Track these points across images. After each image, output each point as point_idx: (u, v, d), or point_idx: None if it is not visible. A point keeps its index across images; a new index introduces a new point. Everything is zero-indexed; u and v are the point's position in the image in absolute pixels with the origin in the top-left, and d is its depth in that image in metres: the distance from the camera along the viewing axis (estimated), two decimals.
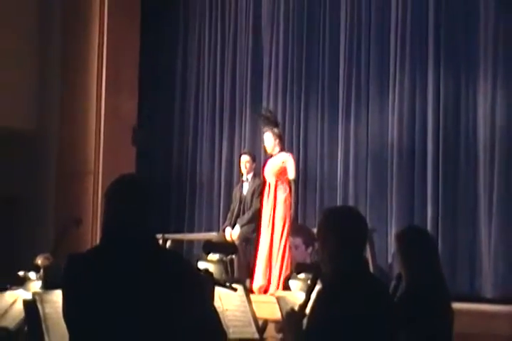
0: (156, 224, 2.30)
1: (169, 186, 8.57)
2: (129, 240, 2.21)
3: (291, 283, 4.00)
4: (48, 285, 4.34)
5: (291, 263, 5.99)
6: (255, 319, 3.56)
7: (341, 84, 7.05)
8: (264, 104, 7.74)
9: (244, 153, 7.18)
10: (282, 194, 6.43)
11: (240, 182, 7.17)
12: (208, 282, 2.38)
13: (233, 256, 6.19)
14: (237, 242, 6.53)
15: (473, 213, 5.87)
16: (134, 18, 8.88)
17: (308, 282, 2.81)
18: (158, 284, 2.14)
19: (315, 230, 2.98)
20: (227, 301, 3.42)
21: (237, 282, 3.73)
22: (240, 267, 6.44)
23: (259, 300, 4.01)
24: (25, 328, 4.01)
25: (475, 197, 5.87)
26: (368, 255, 5.53)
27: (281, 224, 6.26)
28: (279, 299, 3.70)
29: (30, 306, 3.63)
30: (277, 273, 6.09)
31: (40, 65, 9.16)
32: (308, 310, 2.56)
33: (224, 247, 4.38)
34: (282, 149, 6.62)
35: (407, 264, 3.32)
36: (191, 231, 8.21)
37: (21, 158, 9.02)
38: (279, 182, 6.47)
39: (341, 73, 7.05)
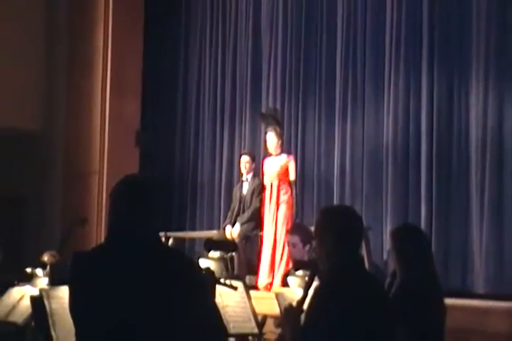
0: (158, 222, 2.30)
1: (171, 186, 8.58)
2: (133, 238, 2.22)
3: (290, 279, 4.01)
4: (54, 282, 4.36)
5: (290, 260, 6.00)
6: (255, 314, 3.57)
7: (338, 85, 7.05)
8: (264, 105, 7.74)
9: (244, 154, 7.18)
10: (285, 195, 6.43)
11: (240, 182, 7.16)
12: (210, 280, 2.39)
13: (233, 254, 6.19)
14: (237, 240, 6.53)
15: (465, 212, 5.87)
16: (137, 24, 8.89)
17: (306, 279, 2.81)
18: (161, 281, 2.14)
19: (312, 228, 2.98)
20: (227, 297, 3.42)
21: (237, 278, 3.74)
22: (239, 264, 6.44)
23: (258, 296, 4.01)
24: (33, 323, 4.03)
25: (467, 196, 5.88)
26: (364, 252, 5.53)
27: (285, 224, 6.26)
28: (277, 295, 3.70)
29: (37, 302, 3.64)
30: (282, 271, 6.07)
31: (47, 69, 9.18)
32: (305, 306, 2.56)
33: (224, 245, 4.39)
34: (283, 150, 6.61)
35: (401, 261, 3.32)
36: (193, 229, 8.21)
37: (28, 158, 9.03)
38: (281, 183, 6.46)
39: (338, 75, 7.05)
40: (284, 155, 6.58)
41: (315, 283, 2.65)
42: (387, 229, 6.05)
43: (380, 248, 6.18)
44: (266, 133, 6.78)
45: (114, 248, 2.23)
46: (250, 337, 3.70)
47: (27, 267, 5.11)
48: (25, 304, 4.20)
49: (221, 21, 8.40)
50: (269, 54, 7.77)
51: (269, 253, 6.27)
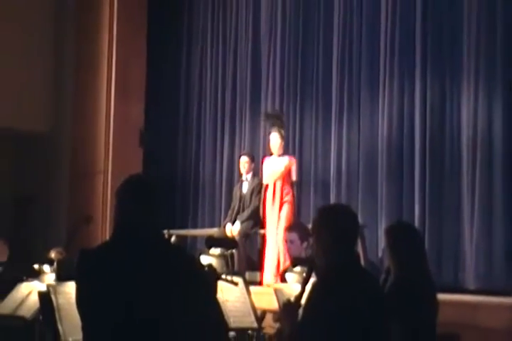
0: (162, 220, 2.31)
1: (174, 185, 8.57)
2: (138, 236, 2.22)
3: (288, 275, 4.01)
4: (61, 278, 4.36)
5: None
6: (254, 309, 3.57)
7: (334, 89, 7.04)
8: (263, 107, 7.74)
9: (244, 154, 7.18)
10: (287, 195, 6.42)
11: (240, 181, 7.16)
12: (212, 276, 2.39)
13: (233, 251, 6.19)
14: (237, 237, 6.52)
15: (457, 210, 5.87)
16: (140, 29, 8.89)
17: (304, 275, 2.82)
18: (165, 277, 2.15)
19: (310, 226, 2.98)
20: (228, 293, 3.43)
21: (237, 274, 3.75)
22: (239, 260, 6.44)
23: (257, 291, 4.01)
24: (40, 317, 4.03)
25: (459, 195, 5.87)
26: (360, 249, 5.53)
27: (287, 223, 6.22)
28: (276, 291, 3.71)
29: (44, 297, 3.65)
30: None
31: (54, 72, 9.18)
32: (303, 301, 2.57)
33: (225, 242, 4.39)
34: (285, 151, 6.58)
35: (395, 258, 3.32)
36: (195, 227, 8.21)
37: (35, 159, 9.03)
38: (285, 184, 6.43)
39: (334, 79, 7.05)
40: (286, 157, 6.56)
41: (312, 279, 2.65)
42: (382, 227, 6.05)
43: (376, 245, 6.18)
44: (269, 133, 6.75)
45: (120, 245, 2.24)
46: (250, 331, 3.70)
47: (35, 263, 5.12)
48: (33, 299, 4.21)
49: (222, 26, 8.40)
50: (268, 58, 7.77)
51: (276, 252, 6.23)
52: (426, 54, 6.23)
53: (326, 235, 2.57)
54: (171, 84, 8.92)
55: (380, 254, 5.95)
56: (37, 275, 4.86)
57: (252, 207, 6.82)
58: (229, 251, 5.75)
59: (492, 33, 5.74)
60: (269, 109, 7.35)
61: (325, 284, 2.49)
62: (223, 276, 2.77)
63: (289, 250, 5.03)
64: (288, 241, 4.85)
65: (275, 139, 6.58)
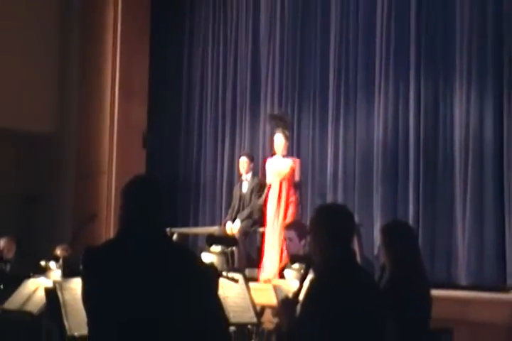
0: (165, 219, 2.31)
1: (176, 185, 8.58)
2: (142, 234, 2.23)
3: (286, 272, 4.02)
4: (66, 274, 4.36)
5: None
6: (254, 305, 3.58)
7: (331, 91, 7.04)
8: (262, 108, 7.74)
9: (242, 155, 7.18)
10: (292, 196, 6.38)
11: (240, 181, 7.16)
12: (213, 273, 2.40)
13: (233, 248, 6.20)
14: (237, 235, 6.52)
15: (449, 209, 5.88)
16: (144, 31, 8.90)
17: (301, 271, 2.82)
18: (167, 274, 2.15)
19: (307, 224, 2.99)
20: (228, 289, 3.43)
21: (237, 271, 3.75)
22: (239, 258, 6.43)
23: (257, 287, 4.02)
24: (47, 312, 4.04)
25: (451, 195, 5.88)
26: (356, 247, 5.54)
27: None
28: (275, 287, 3.72)
29: (51, 293, 3.65)
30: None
31: (59, 76, 9.19)
32: (301, 297, 2.57)
33: (225, 240, 4.40)
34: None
35: (390, 255, 3.32)
36: (196, 225, 8.21)
37: (42, 159, 9.04)
38: (290, 184, 6.40)
39: (331, 81, 7.05)
40: (290, 158, 6.53)
41: (310, 276, 2.66)
42: (378, 225, 6.06)
43: (371, 243, 6.18)
44: (273, 134, 6.69)
45: (124, 243, 2.24)
46: (249, 326, 3.71)
47: (41, 260, 5.12)
48: (40, 295, 4.21)
49: (222, 29, 8.41)
50: (267, 61, 7.78)
51: (275, 251, 6.19)
52: (420, 57, 6.24)
53: (324, 234, 2.57)
54: (173, 86, 8.92)
55: (375, 252, 5.96)
56: (43, 271, 4.88)
57: (251, 206, 6.83)
58: (229, 249, 5.77)
59: (483, 37, 5.76)
60: (274, 110, 7.28)
61: (322, 281, 2.49)
62: (224, 274, 2.78)
63: (287, 247, 5.04)
64: (286, 239, 4.86)
65: (279, 140, 6.53)
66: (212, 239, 3.82)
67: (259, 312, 3.68)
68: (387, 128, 6.44)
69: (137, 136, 8.72)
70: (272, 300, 3.64)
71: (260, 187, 6.92)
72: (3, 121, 8.45)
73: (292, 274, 3.88)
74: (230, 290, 3.45)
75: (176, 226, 7.44)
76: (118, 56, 8.68)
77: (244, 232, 6.74)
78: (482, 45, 5.75)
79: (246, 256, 6.64)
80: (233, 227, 6.77)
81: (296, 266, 3.84)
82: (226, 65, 8.29)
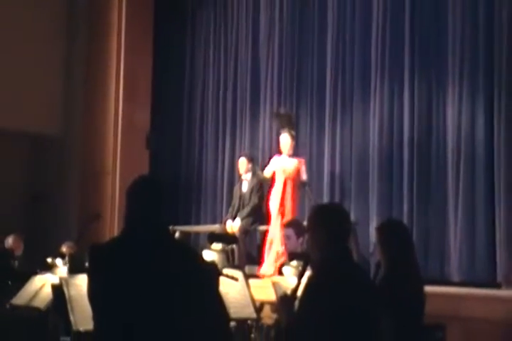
0: (167, 218, 2.31)
1: (178, 184, 8.58)
2: (146, 232, 2.23)
3: (285, 269, 4.01)
4: (72, 271, 4.36)
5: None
6: (253, 301, 3.57)
7: (328, 92, 7.04)
8: (262, 110, 7.74)
9: (241, 156, 7.18)
10: (296, 194, 6.38)
11: (240, 180, 7.17)
12: (214, 271, 2.40)
13: (234, 246, 6.19)
14: (237, 234, 6.52)
15: (442, 208, 5.88)
16: (147, 37, 8.91)
17: (299, 268, 2.82)
18: (170, 271, 2.15)
19: (305, 223, 2.99)
20: (228, 286, 3.42)
21: (238, 268, 3.75)
22: (240, 255, 6.43)
23: (256, 284, 4.02)
24: (53, 308, 4.03)
25: (444, 194, 5.88)
26: (352, 245, 5.53)
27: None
28: (274, 284, 3.71)
29: (57, 289, 3.65)
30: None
31: (65, 81, 9.20)
32: (299, 294, 2.57)
33: (226, 238, 4.38)
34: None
35: (385, 253, 3.32)
36: (197, 223, 8.21)
37: (49, 160, 9.04)
38: (296, 183, 6.39)
39: (328, 83, 7.05)
40: (295, 158, 6.50)
41: (307, 273, 2.66)
42: (373, 224, 6.06)
43: (367, 241, 6.18)
44: (280, 133, 6.64)
45: (128, 240, 2.25)
46: (249, 321, 3.71)
47: (48, 257, 5.11)
48: (47, 291, 4.21)
49: (223, 33, 8.41)
50: (266, 64, 7.78)
51: (277, 247, 6.16)
52: (413, 59, 6.25)
53: (321, 232, 2.58)
54: (175, 88, 8.93)
55: (371, 250, 5.96)
56: (50, 268, 4.87)
57: (251, 205, 6.83)
58: (229, 247, 5.76)
59: (474, 40, 5.77)
60: (273, 111, 7.23)
61: (320, 278, 2.49)
62: (224, 272, 2.77)
63: (285, 245, 5.02)
64: (285, 237, 4.85)
65: (285, 139, 6.49)
66: (213, 237, 3.81)
67: (259, 308, 3.67)
68: (382, 128, 6.44)
69: (141, 137, 8.72)
70: (271, 297, 3.63)
71: (260, 186, 6.92)
72: (12, 123, 8.46)
73: (290, 271, 3.87)
74: (231, 287, 3.45)
75: (178, 224, 7.44)
76: (122, 59, 8.68)
77: (245, 230, 6.74)
78: (474, 48, 5.76)
79: (246, 254, 6.64)
80: (233, 226, 6.77)
81: (294, 263, 3.83)
82: (227, 67, 8.29)
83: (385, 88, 6.43)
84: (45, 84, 8.92)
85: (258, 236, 7.01)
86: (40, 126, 8.86)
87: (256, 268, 6.37)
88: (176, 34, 8.96)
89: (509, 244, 5.29)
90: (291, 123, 6.65)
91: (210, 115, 8.47)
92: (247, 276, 3.74)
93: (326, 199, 6.73)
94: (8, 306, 4.52)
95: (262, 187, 6.99)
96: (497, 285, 5.27)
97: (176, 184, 8.49)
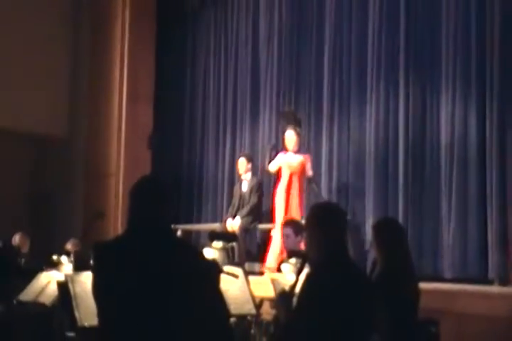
0: (170, 217, 2.31)
1: (180, 184, 8.58)
2: (149, 230, 2.24)
3: (284, 266, 4.00)
4: (77, 268, 4.36)
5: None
6: (253, 297, 3.57)
7: (326, 94, 7.04)
8: (261, 111, 7.74)
9: (240, 156, 7.18)
10: (301, 190, 6.34)
11: (240, 180, 7.17)
12: (215, 268, 2.40)
13: (234, 244, 6.19)
14: (237, 232, 6.53)
15: (436, 207, 5.88)
16: (149, 41, 8.92)
17: (298, 266, 2.82)
18: (172, 268, 2.15)
19: (303, 221, 2.99)
20: (229, 283, 3.42)
21: (238, 265, 3.75)
22: (240, 253, 6.44)
23: (256, 281, 4.02)
24: (59, 304, 4.03)
25: (437, 193, 5.88)
26: (349, 243, 5.52)
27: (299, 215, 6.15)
28: (273, 280, 3.71)
29: (63, 286, 3.64)
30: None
31: (70, 84, 9.21)
32: (297, 290, 2.58)
33: (226, 236, 4.39)
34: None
35: (381, 250, 3.32)
36: (198, 222, 8.21)
37: (55, 161, 9.05)
38: (301, 180, 6.36)
39: (326, 85, 7.05)
40: (301, 154, 6.47)
41: (305, 270, 2.66)
42: (369, 222, 6.06)
43: (363, 239, 6.18)
44: (285, 131, 6.59)
45: (132, 239, 2.25)
46: (249, 317, 3.71)
47: (53, 255, 5.11)
48: (53, 287, 4.21)
49: (223, 37, 8.42)
50: (265, 67, 7.79)
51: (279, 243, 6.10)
52: (408, 63, 6.26)
53: (318, 231, 2.58)
54: (176, 92, 8.93)
55: (367, 247, 5.96)
56: (55, 265, 4.86)
57: (251, 204, 6.83)
58: (230, 245, 5.75)
59: (467, 45, 5.77)
60: (285, 107, 7.16)
61: (317, 275, 2.50)
62: (225, 270, 2.78)
63: (284, 243, 5.02)
64: (284, 235, 4.85)
65: (290, 136, 6.46)
66: (213, 236, 3.82)
67: (258, 304, 3.67)
68: (378, 129, 6.44)
69: (143, 139, 8.73)
70: (270, 293, 3.63)
71: (259, 186, 6.93)
72: (18, 125, 8.47)
73: (289, 268, 3.87)
74: (231, 284, 3.45)
75: (179, 223, 7.44)
76: (125, 63, 8.69)
77: (245, 229, 6.74)
78: (466, 52, 5.77)
79: (246, 251, 6.64)
80: (233, 224, 6.77)
81: (292, 260, 3.83)
82: (227, 68, 8.30)
83: (381, 90, 6.44)
84: (50, 86, 8.93)
85: (258, 234, 7.01)
86: (46, 127, 8.87)
87: (255, 265, 6.37)
88: (177, 36, 8.97)
89: (500, 242, 5.29)
90: (296, 120, 6.61)
91: (211, 116, 8.48)
92: (247, 273, 3.74)
93: (323, 199, 6.72)
94: (15, 302, 4.52)
95: (262, 187, 7.00)
96: (489, 282, 5.27)
97: (177, 184, 8.49)
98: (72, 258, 4.91)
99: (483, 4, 5.68)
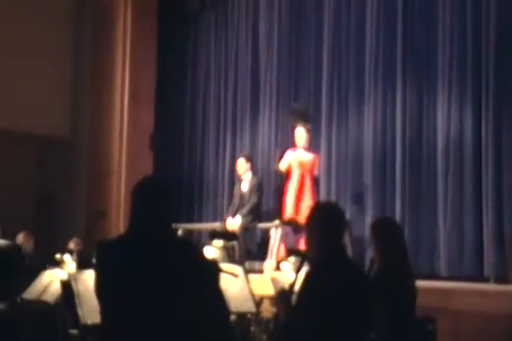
0: (171, 216, 2.31)
1: (181, 184, 8.58)
2: (150, 230, 2.23)
3: (283, 264, 4.00)
4: (80, 267, 4.36)
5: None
6: (253, 295, 3.58)
7: (324, 97, 7.03)
8: (261, 112, 7.74)
9: (240, 156, 7.18)
10: (313, 187, 6.29)
11: (240, 180, 7.16)
12: (215, 267, 2.40)
13: (234, 242, 6.19)
14: (238, 231, 6.52)
15: (432, 206, 5.88)
16: (151, 43, 8.92)
17: (297, 264, 2.82)
18: (173, 267, 2.15)
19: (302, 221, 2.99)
20: (229, 281, 3.42)
21: (238, 264, 3.75)
22: (240, 251, 6.43)
23: (255, 279, 4.02)
24: (62, 302, 4.03)
25: (434, 193, 5.89)
26: (347, 242, 5.53)
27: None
28: (272, 279, 3.71)
29: (66, 284, 3.65)
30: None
31: (73, 86, 9.22)
32: (296, 288, 2.58)
33: (226, 235, 4.39)
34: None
35: (379, 249, 3.32)
36: (199, 221, 8.21)
37: (58, 161, 9.04)
38: (312, 177, 6.30)
39: (324, 87, 7.05)
40: (311, 152, 6.42)
41: (304, 269, 2.66)
42: (368, 222, 6.06)
43: (362, 238, 6.18)
44: (294, 127, 6.52)
45: (134, 237, 2.25)
46: (249, 315, 3.71)
47: (56, 254, 5.11)
48: (56, 286, 4.21)
49: (224, 39, 8.42)
50: (265, 69, 7.79)
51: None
52: (405, 66, 6.26)
53: (318, 230, 2.58)
54: (177, 92, 8.93)
55: (365, 246, 5.96)
56: (58, 264, 4.87)
57: (251, 203, 6.82)
58: (230, 243, 5.76)
59: (463, 48, 5.78)
60: (295, 104, 7.06)
61: (316, 273, 2.50)
62: (225, 269, 2.77)
63: (284, 242, 5.03)
64: (283, 234, 4.85)
65: (301, 133, 6.38)
66: (214, 234, 3.82)
67: (258, 302, 3.67)
68: (376, 130, 6.44)
69: (145, 139, 8.73)
70: (270, 291, 3.63)
71: (259, 186, 6.92)
72: (22, 125, 8.47)
73: (288, 266, 3.87)
74: (231, 283, 3.45)
75: (180, 222, 7.43)
76: (127, 64, 8.69)
77: (245, 228, 6.74)
78: (462, 54, 5.78)
79: (246, 250, 6.63)
80: (234, 223, 6.76)
81: (292, 259, 3.83)
82: (227, 69, 8.30)
83: (379, 91, 6.44)
84: (53, 87, 8.93)
85: (258, 233, 7.01)
86: (49, 128, 8.87)
87: (256, 263, 6.37)
88: (178, 36, 8.98)
89: (496, 240, 5.29)
90: (305, 116, 6.55)
91: (212, 117, 8.48)
92: (247, 272, 3.74)
93: (322, 198, 6.72)
94: (18, 300, 4.51)
95: (261, 187, 6.99)
96: (484, 280, 5.27)
97: (178, 183, 8.49)
98: (75, 257, 4.91)
99: (478, 6, 5.68)
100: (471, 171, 5.61)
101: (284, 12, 7.63)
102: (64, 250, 5.37)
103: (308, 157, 6.38)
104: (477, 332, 4.39)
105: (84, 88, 9.13)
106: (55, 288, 4.22)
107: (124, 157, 8.53)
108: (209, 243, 4.59)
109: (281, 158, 6.56)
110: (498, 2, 5.51)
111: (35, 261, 6.04)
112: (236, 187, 7.17)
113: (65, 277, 3.85)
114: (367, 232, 5.91)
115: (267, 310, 3.70)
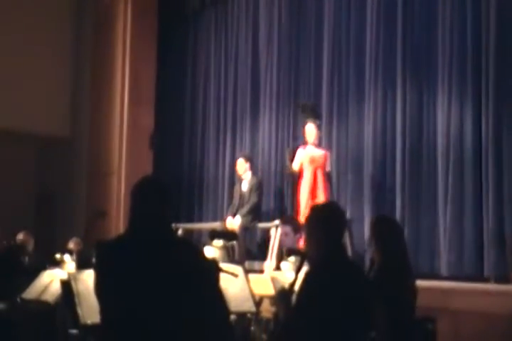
0: (171, 216, 2.31)
1: (181, 184, 8.58)
2: (150, 230, 2.23)
3: (283, 264, 4.00)
4: (80, 266, 4.36)
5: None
6: (253, 295, 3.57)
7: (324, 96, 7.04)
8: (261, 112, 7.74)
9: (239, 156, 7.18)
10: (326, 184, 6.27)
11: (240, 180, 7.17)
12: (215, 267, 2.40)
13: (234, 242, 6.19)
14: (238, 231, 6.52)
15: (432, 205, 5.88)
16: (151, 43, 8.92)
17: (297, 264, 2.82)
18: (173, 267, 2.15)
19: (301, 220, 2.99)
20: (229, 281, 3.42)
21: (238, 264, 3.75)
22: (240, 251, 6.44)
23: (256, 279, 4.02)
24: (62, 302, 4.03)
25: (434, 193, 5.89)
26: (347, 241, 5.53)
27: None
28: (272, 278, 3.71)
29: (66, 284, 3.64)
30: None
31: (73, 85, 9.22)
32: (296, 288, 2.58)
33: (226, 235, 4.38)
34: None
35: (379, 248, 3.32)
36: (199, 221, 8.21)
37: (58, 161, 9.05)
38: (324, 173, 6.27)
39: (325, 87, 7.05)
40: (322, 149, 6.40)
41: (304, 268, 2.66)
42: (367, 221, 6.06)
43: (362, 237, 6.18)
44: (305, 124, 6.50)
45: (133, 237, 2.25)
46: (249, 315, 3.70)
47: (56, 253, 5.11)
48: (56, 285, 4.21)
49: (224, 39, 8.42)
50: (265, 70, 7.79)
51: None
52: (405, 66, 6.26)
53: (318, 230, 2.58)
54: (177, 92, 8.93)
55: (365, 246, 5.96)
56: (58, 264, 4.86)
57: (251, 203, 6.83)
58: (230, 243, 5.75)
59: (463, 48, 5.78)
60: (304, 100, 7.03)
61: (316, 273, 2.50)
62: (225, 269, 2.78)
63: (283, 242, 5.02)
64: (283, 234, 4.84)
65: (311, 129, 6.37)
66: (214, 234, 3.81)
67: (258, 302, 3.67)
68: (376, 129, 6.45)
69: (145, 139, 8.73)
70: (270, 291, 3.63)
71: (259, 185, 6.92)
72: (22, 125, 8.47)
73: (288, 266, 3.87)
74: (231, 282, 3.44)
75: (180, 222, 7.43)
76: (127, 62, 8.69)
77: (245, 227, 6.74)
78: (462, 55, 5.78)
79: (246, 250, 6.63)
80: (234, 223, 6.76)
81: (291, 258, 3.82)
82: (227, 69, 8.30)
83: (379, 90, 6.44)
84: (53, 87, 8.93)
85: (258, 233, 7.01)
86: (49, 127, 8.87)
87: (255, 263, 6.37)
88: (178, 36, 8.98)
89: (496, 240, 5.29)
90: (315, 113, 6.53)
91: (212, 117, 8.48)
92: (247, 271, 3.74)
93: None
94: (19, 300, 4.52)
95: (261, 186, 6.99)
96: (484, 280, 5.27)
97: (178, 183, 8.49)
98: (74, 257, 4.91)
99: (478, 5, 5.68)
100: (471, 171, 5.61)
101: (284, 11, 7.63)
102: (64, 250, 5.36)
103: (319, 152, 6.36)
104: (477, 332, 4.39)
105: (84, 88, 9.13)
106: (55, 288, 4.22)
107: (124, 157, 8.53)
108: (209, 243, 4.58)
109: (293, 158, 6.53)
110: (498, 1, 5.51)
111: (35, 261, 6.05)
112: (236, 187, 7.17)
113: (64, 277, 3.85)
114: (367, 232, 5.92)
115: (267, 309, 3.70)
